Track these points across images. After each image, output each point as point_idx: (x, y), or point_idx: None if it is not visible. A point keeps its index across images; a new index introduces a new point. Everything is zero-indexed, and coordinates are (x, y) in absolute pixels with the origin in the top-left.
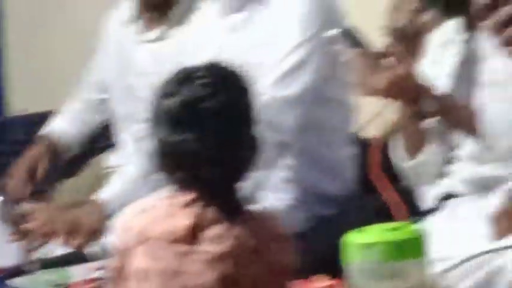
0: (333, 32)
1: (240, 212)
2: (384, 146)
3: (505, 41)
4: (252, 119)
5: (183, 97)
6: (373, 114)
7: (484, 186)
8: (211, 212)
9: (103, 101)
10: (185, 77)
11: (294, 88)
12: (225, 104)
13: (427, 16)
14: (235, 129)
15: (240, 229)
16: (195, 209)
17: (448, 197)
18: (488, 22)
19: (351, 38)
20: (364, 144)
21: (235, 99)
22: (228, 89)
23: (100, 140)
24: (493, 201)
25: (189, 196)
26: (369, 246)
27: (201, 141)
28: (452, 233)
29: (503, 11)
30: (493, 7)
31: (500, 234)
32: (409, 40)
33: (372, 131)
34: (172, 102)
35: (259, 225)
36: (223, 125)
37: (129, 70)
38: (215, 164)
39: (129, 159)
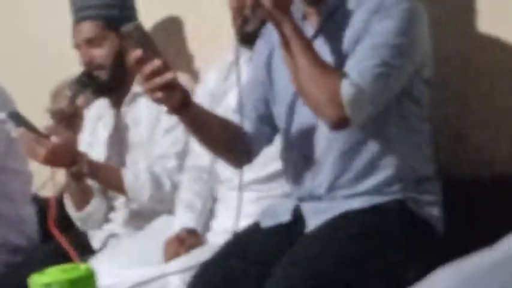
0: (2, 115)
1: None
2: (59, 202)
3: (150, 90)
4: None
5: None
6: (47, 178)
7: (136, 225)
8: None
9: None
10: None
11: None
12: None
13: (81, 98)
14: None
15: None
16: None
17: (111, 236)
18: (141, 77)
19: (18, 118)
20: (42, 202)
21: None
22: None
23: None
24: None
25: None
26: (48, 285)
27: None
28: (118, 264)
29: (148, 66)
30: (142, 61)
31: (169, 257)
32: (68, 118)
33: (48, 191)
34: None
35: None
36: None
37: None
38: None
39: None
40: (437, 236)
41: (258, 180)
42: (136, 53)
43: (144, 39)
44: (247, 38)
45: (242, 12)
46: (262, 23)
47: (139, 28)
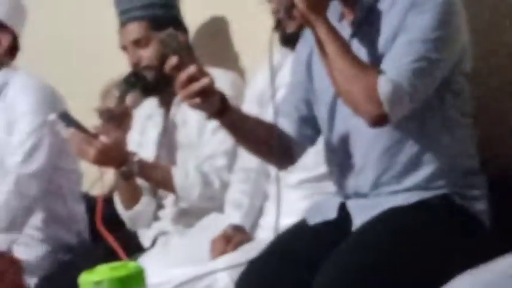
0: (52, 116)
1: None
2: (108, 201)
3: (187, 96)
4: None
5: None
6: (96, 177)
7: (185, 223)
8: None
9: None
10: None
11: (35, 165)
12: None
13: (129, 98)
14: None
15: None
16: None
17: (160, 234)
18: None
19: (67, 119)
20: (92, 201)
21: None
22: None
23: None
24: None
25: None
26: (98, 283)
27: None
28: (167, 262)
29: (184, 72)
30: (178, 68)
31: (215, 255)
32: (117, 118)
33: (97, 190)
34: None
35: None
36: None
37: None
38: None
39: None
40: (484, 230)
41: (309, 179)
42: (171, 61)
43: (179, 46)
44: (289, 39)
45: (280, 12)
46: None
47: (174, 36)
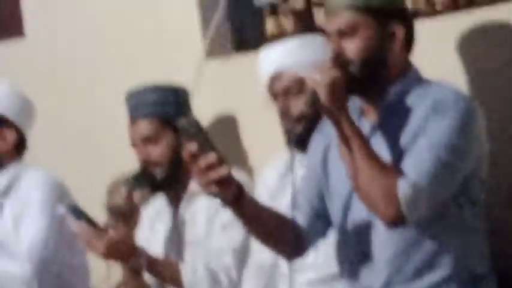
0: (62, 209)
1: None
2: None
3: (205, 184)
4: None
5: None
6: (104, 273)
7: None
8: None
9: None
10: None
11: (44, 256)
12: None
13: (137, 195)
14: None
15: None
16: None
17: None
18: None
19: (77, 212)
20: None
21: None
22: None
23: None
24: None
25: None
26: None
27: None
28: None
29: (202, 160)
30: (197, 155)
31: None
32: (125, 214)
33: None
34: None
35: None
36: None
37: None
38: None
39: None
40: None
41: (319, 280)
42: (191, 147)
43: (198, 132)
44: (296, 141)
45: (287, 114)
46: (311, 125)
47: (193, 121)
